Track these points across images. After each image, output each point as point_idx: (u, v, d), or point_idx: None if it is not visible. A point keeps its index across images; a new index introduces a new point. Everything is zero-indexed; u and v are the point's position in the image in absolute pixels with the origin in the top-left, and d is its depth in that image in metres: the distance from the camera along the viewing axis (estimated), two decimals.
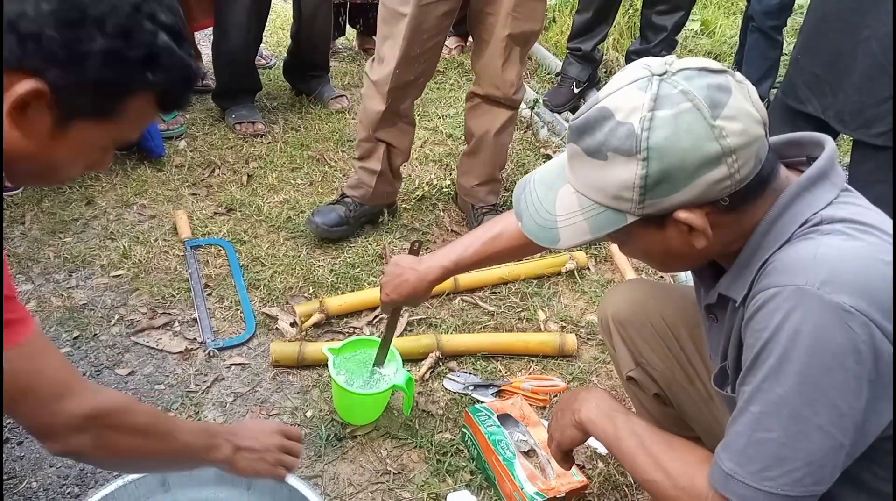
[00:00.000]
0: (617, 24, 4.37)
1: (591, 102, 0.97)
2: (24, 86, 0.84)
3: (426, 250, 2.34)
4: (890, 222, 0.98)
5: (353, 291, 2.23)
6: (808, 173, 0.97)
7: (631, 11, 4.61)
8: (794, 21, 4.27)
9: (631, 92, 0.92)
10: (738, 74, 0.96)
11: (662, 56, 3.27)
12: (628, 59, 3.88)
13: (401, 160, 2.52)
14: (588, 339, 2.14)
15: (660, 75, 0.92)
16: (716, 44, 4.83)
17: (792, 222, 0.96)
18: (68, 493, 1.59)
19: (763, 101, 3.63)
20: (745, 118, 0.90)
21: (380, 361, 1.78)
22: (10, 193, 2.58)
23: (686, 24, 3.99)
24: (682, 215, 0.93)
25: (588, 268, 2.43)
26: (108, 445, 1.02)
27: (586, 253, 2.46)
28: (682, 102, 0.89)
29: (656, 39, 3.71)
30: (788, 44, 4.08)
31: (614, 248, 2.49)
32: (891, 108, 2.01)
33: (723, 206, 0.94)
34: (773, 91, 3.65)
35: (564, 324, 2.19)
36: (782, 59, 3.75)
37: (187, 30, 3.27)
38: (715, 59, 4.58)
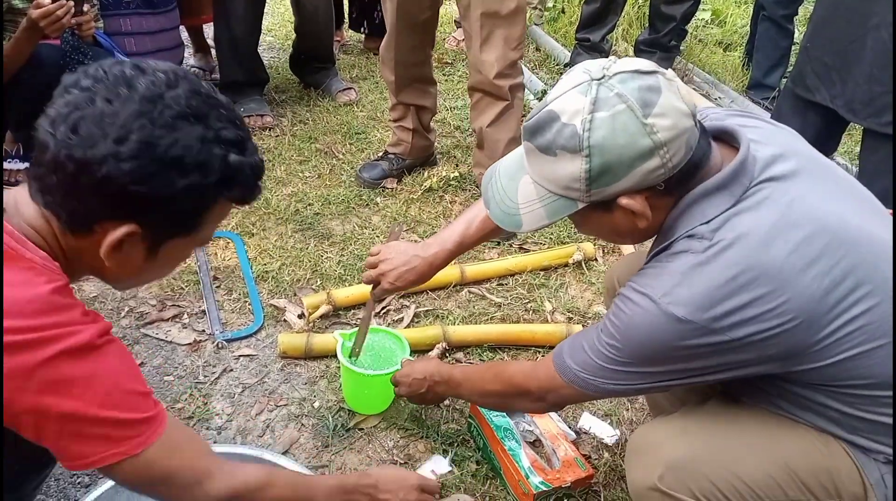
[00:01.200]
0: (626, 15, 4.35)
1: (540, 105, 1.08)
2: (119, 232, 0.93)
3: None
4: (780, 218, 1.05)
5: (360, 283, 2.24)
6: (706, 185, 1.07)
7: (640, 1, 4.58)
8: (806, 10, 4.23)
9: (573, 96, 1.03)
10: (669, 72, 1.07)
11: (672, 46, 3.27)
12: (637, 50, 3.86)
13: (429, 117, 2.78)
14: None
15: (598, 80, 1.02)
16: (726, 33, 4.80)
17: (684, 225, 1.09)
18: (79, 483, 1.61)
19: (774, 90, 3.61)
20: (674, 114, 1.01)
21: (357, 348, 1.75)
22: None
23: (696, 14, 3.96)
24: (624, 201, 1.06)
25: (595, 259, 2.43)
26: None
27: (594, 244, 2.46)
28: (617, 104, 1.00)
29: (665, 29, 3.69)
30: (800, 33, 4.04)
31: None
32: None
33: (659, 190, 1.06)
34: (784, 80, 3.62)
35: (571, 315, 2.18)
36: (793, 48, 3.71)
37: (198, 23, 3.24)
38: (726, 48, 4.56)
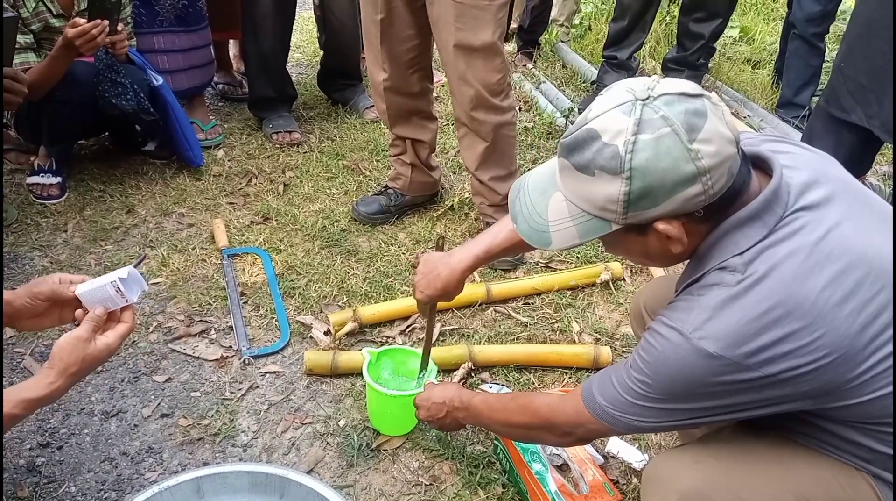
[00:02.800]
0: (653, 32, 4.34)
1: (579, 122, 1.05)
2: None
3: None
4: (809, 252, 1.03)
5: (386, 300, 2.24)
6: (739, 215, 1.05)
7: (668, 19, 4.57)
8: (837, 27, 4.19)
9: (616, 115, 1.00)
10: (713, 96, 1.03)
11: (700, 64, 3.23)
12: (665, 68, 3.84)
13: (427, 153, 2.64)
14: (623, 352, 2.11)
15: (643, 100, 1.00)
16: (755, 51, 4.76)
17: (717, 256, 1.07)
18: (105, 498, 1.62)
19: (804, 109, 3.57)
20: (719, 140, 0.98)
21: (424, 363, 1.77)
22: (54, 201, 2.65)
23: (724, 32, 3.93)
24: (661, 226, 1.03)
25: (623, 279, 2.41)
26: None
27: (622, 264, 2.43)
28: (662, 126, 0.98)
29: (694, 47, 3.67)
30: (831, 51, 3.99)
31: None
32: None
33: (697, 217, 1.04)
34: (815, 99, 3.58)
35: (599, 336, 2.16)
36: (824, 66, 3.67)
37: (222, 38, 3.27)
38: (754, 66, 4.52)
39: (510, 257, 2.39)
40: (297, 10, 3.31)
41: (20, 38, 2.44)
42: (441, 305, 1.99)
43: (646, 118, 0.98)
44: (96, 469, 1.68)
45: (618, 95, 1.03)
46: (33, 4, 2.45)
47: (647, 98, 0.99)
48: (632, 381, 1.12)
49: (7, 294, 1.35)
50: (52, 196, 2.66)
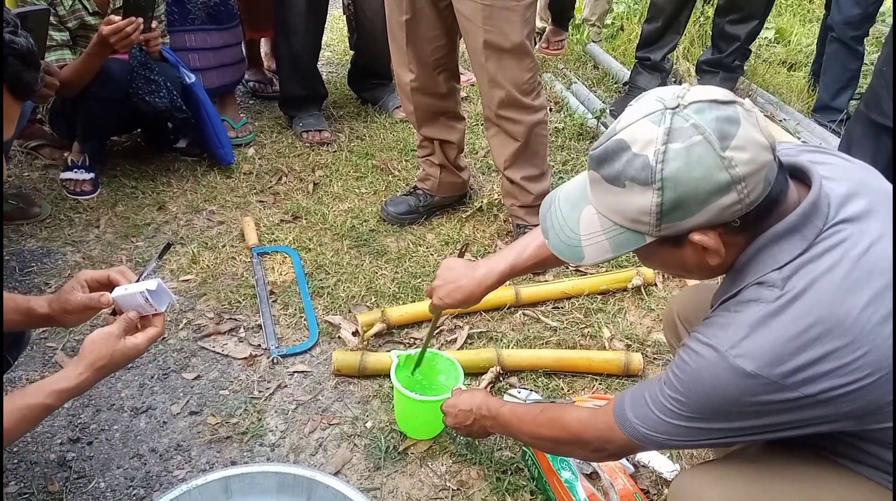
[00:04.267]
0: (687, 33, 4.28)
1: (608, 133, 1.03)
2: None
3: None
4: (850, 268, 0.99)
5: (414, 301, 2.23)
6: (777, 228, 1.02)
7: (702, 20, 4.51)
8: (876, 29, 4.10)
9: (646, 125, 0.98)
10: (746, 102, 1.00)
11: (735, 66, 3.17)
12: (699, 70, 3.79)
13: (455, 153, 2.62)
14: (654, 358, 2.08)
15: (672, 109, 0.97)
16: (791, 52, 4.68)
17: (754, 271, 1.04)
18: (134, 495, 1.62)
19: (842, 113, 3.49)
20: (754, 147, 0.95)
21: (419, 362, 1.78)
22: (86, 197, 2.67)
23: (760, 33, 3.86)
24: (697, 236, 1.00)
25: (655, 284, 2.37)
26: None
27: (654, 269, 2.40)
28: (693, 135, 0.95)
29: (728, 49, 3.61)
30: (870, 53, 3.91)
31: None
32: None
33: (734, 227, 1.01)
34: (853, 103, 3.50)
35: (630, 342, 2.13)
36: (863, 69, 3.59)
37: (256, 37, 3.30)
38: (790, 68, 4.44)
39: (537, 272, 2.36)
40: (328, 9, 3.31)
41: (57, 36, 2.47)
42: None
43: (676, 127, 0.95)
44: (125, 465, 1.69)
45: (647, 104, 1.00)
46: (70, 2, 2.48)
47: (677, 107, 0.97)
48: (665, 399, 1.09)
49: (40, 300, 1.38)
50: (84, 192, 2.69)
